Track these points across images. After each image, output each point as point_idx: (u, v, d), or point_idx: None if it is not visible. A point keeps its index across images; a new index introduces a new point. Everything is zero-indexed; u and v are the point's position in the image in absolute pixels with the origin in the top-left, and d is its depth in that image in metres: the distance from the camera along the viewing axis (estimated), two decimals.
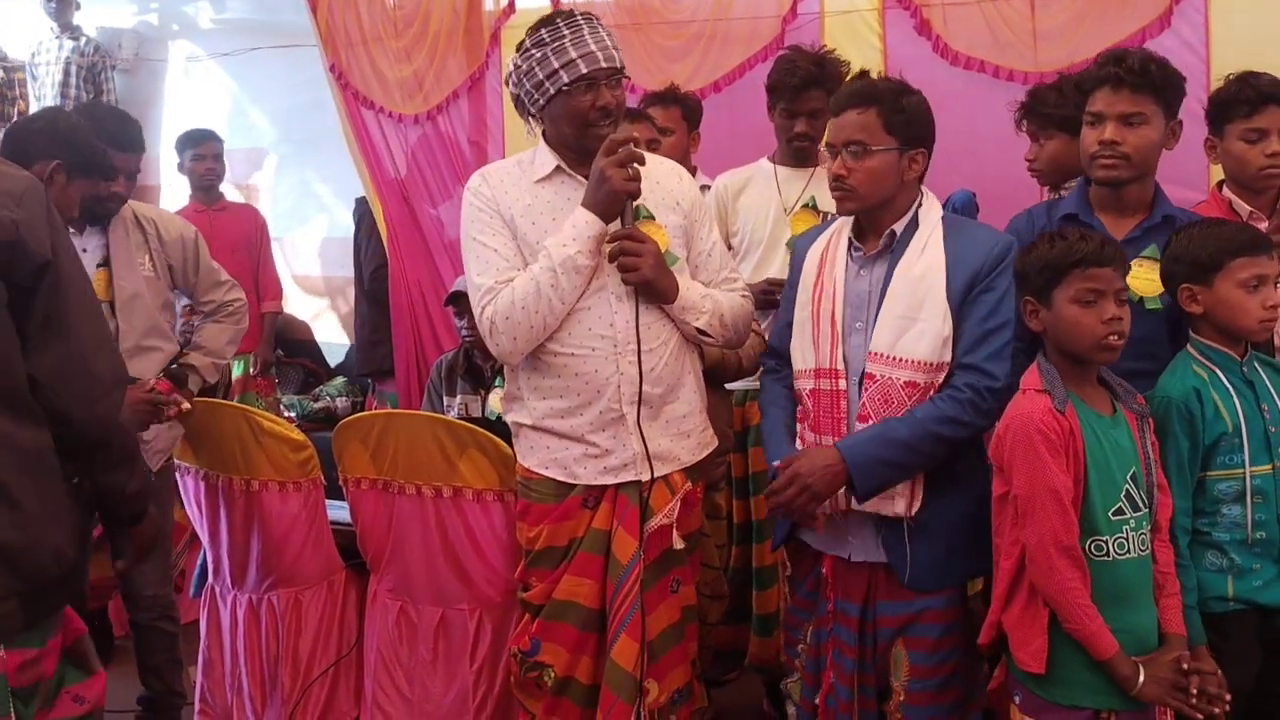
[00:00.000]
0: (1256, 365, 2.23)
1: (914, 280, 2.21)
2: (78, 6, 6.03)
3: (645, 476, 2.33)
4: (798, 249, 2.49)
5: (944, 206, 3.09)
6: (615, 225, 2.28)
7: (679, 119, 3.57)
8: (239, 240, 4.84)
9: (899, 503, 2.22)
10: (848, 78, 3.18)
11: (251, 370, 4.80)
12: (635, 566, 2.33)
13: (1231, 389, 2.17)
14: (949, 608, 2.27)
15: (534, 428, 2.40)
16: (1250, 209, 2.55)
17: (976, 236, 2.28)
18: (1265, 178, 2.54)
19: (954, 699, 2.30)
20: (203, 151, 4.86)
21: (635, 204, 2.31)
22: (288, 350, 5.28)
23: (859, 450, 2.18)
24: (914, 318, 2.19)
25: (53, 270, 1.84)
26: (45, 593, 1.92)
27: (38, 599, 1.91)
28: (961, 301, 2.20)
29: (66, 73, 5.99)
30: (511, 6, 4.49)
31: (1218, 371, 2.19)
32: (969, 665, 2.32)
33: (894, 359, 2.20)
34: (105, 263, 3.11)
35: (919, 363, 2.19)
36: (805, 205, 3.24)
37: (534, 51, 2.30)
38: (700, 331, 2.38)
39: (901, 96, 2.26)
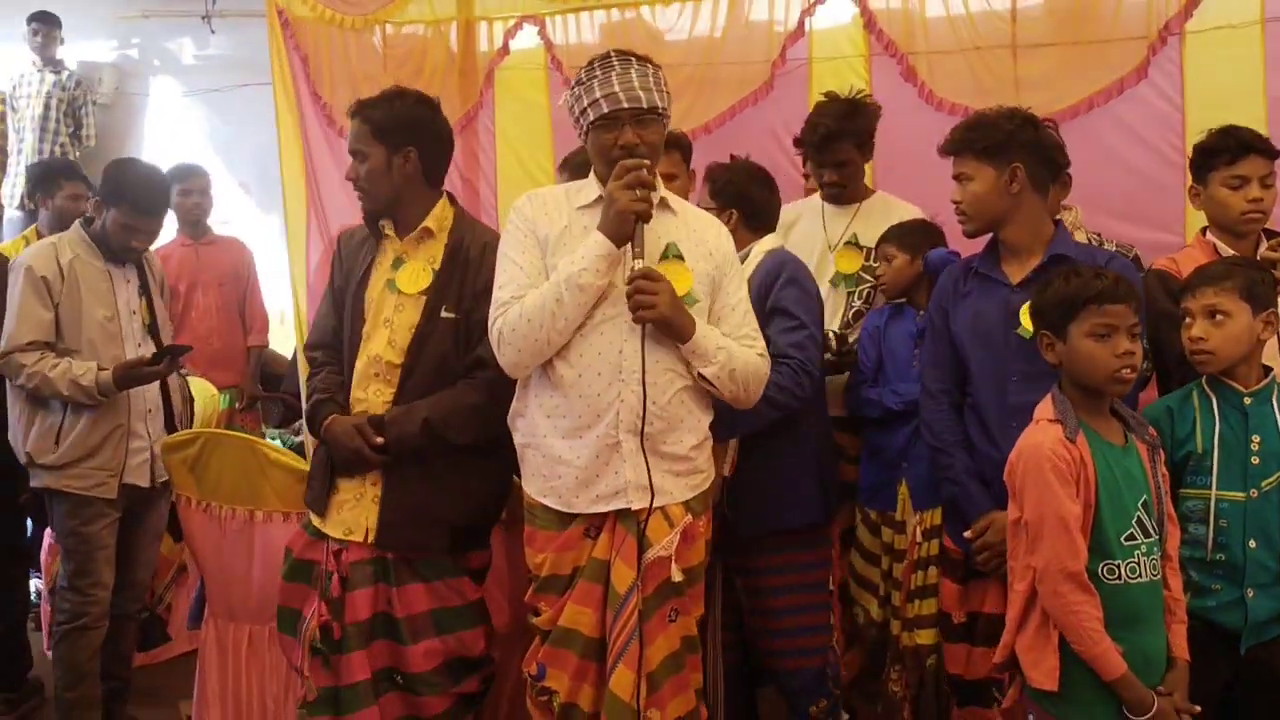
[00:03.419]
0: (1273, 399, 2.29)
1: None
2: (61, 41, 6.02)
3: (635, 505, 2.36)
4: None
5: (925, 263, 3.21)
6: (629, 249, 2.32)
7: (680, 163, 3.61)
8: (226, 273, 4.83)
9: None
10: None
11: (237, 405, 4.76)
12: (632, 597, 2.35)
13: (1217, 415, 2.27)
14: None
15: (535, 447, 2.44)
16: (1233, 252, 2.67)
17: None
18: (1247, 221, 2.68)
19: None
20: (189, 186, 4.82)
21: (667, 244, 2.39)
22: (267, 384, 5.26)
23: None
24: None
25: None
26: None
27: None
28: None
29: (47, 106, 5.97)
30: (505, 49, 4.58)
31: (1213, 399, 2.28)
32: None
33: None
34: (143, 290, 3.38)
35: None
36: (848, 242, 3.34)
37: (575, 89, 2.41)
38: (704, 379, 2.41)
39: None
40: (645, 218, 2.30)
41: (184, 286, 4.69)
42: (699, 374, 2.40)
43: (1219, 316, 2.23)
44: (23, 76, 6.03)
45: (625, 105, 2.31)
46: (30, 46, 5.96)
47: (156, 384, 3.35)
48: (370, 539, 2.59)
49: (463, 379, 2.62)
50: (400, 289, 2.64)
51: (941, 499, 2.76)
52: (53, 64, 6.01)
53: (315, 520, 2.67)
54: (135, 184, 3.25)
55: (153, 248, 4.92)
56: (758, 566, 2.90)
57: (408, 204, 2.66)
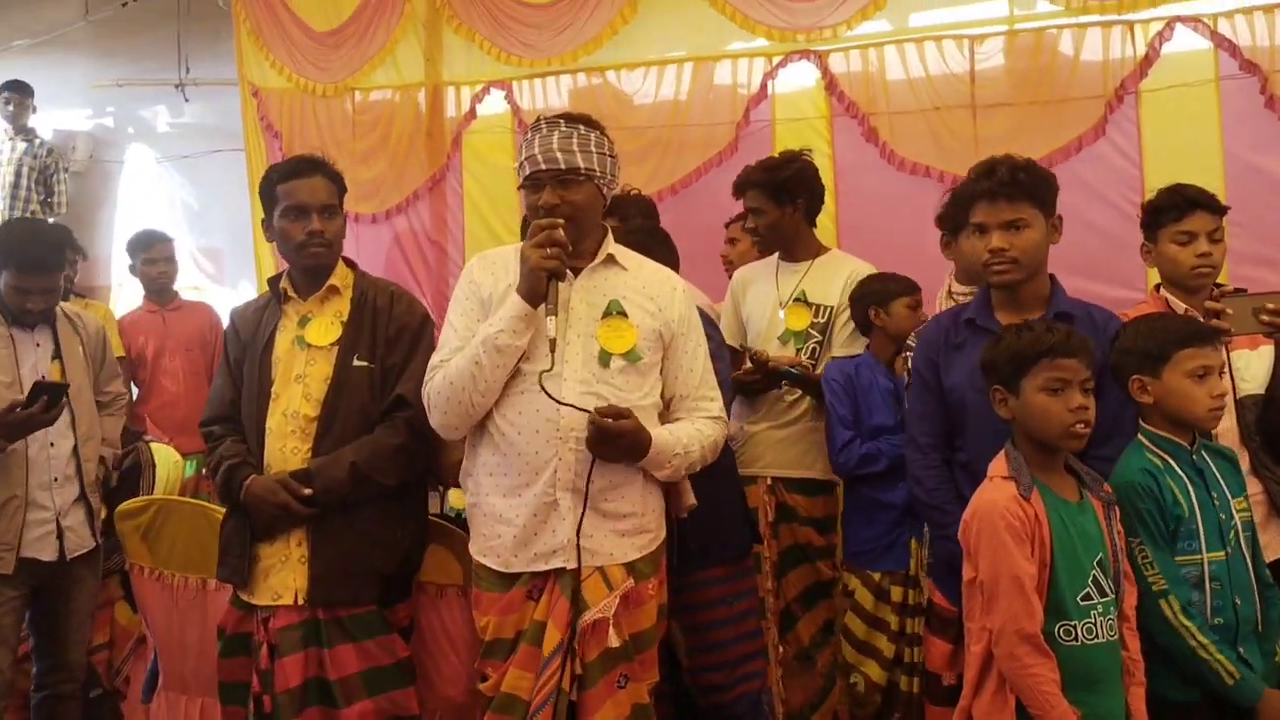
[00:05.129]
0: (1205, 454, 2.30)
1: None
2: (34, 110, 6.05)
3: (572, 565, 2.33)
4: None
5: None
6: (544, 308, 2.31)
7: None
8: (193, 338, 4.80)
9: None
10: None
11: (204, 471, 4.70)
12: (555, 659, 2.29)
13: (1184, 477, 2.24)
14: None
15: (479, 507, 2.43)
16: (1186, 307, 2.68)
17: None
18: (1197, 276, 2.69)
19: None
20: (154, 255, 4.80)
21: (610, 300, 2.39)
22: None
23: None
24: None
25: None
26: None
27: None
28: None
29: (18, 174, 5.98)
30: (473, 113, 4.64)
31: (1170, 460, 2.26)
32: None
33: None
34: (57, 355, 3.21)
35: None
36: (797, 299, 3.33)
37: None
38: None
39: None
40: (559, 275, 2.31)
41: (150, 352, 4.68)
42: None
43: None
44: None
45: (543, 167, 2.36)
46: (2, 115, 6.01)
47: (66, 451, 3.15)
48: (301, 600, 2.54)
49: (383, 422, 2.60)
50: (311, 343, 2.65)
51: (933, 555, 2.62)
52: (25, 132, 6.04)
53: (242, 594, 2.62)
54: (18, 244, 3.10)
55: (118, 315, 4.92)
56: (696, 602, 2.86)
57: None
